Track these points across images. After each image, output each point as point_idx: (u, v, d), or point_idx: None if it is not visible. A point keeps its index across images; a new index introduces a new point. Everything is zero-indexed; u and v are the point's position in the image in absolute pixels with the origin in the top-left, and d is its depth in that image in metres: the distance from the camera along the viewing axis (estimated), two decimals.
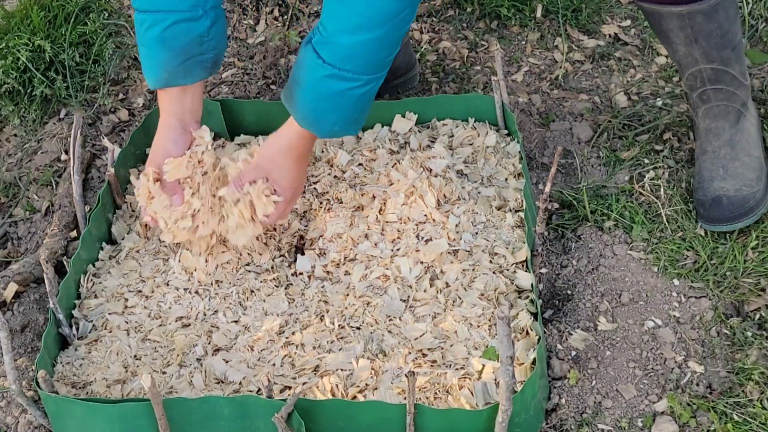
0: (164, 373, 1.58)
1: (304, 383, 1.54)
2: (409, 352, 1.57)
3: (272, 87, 2.34)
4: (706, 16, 1.74)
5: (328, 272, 1.74)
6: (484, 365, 1.54)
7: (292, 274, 1.75)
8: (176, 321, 1.67)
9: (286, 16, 2.53)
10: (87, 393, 1.54)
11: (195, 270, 1.74)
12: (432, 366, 1.55)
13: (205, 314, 1.67)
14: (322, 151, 1.98)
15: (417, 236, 1.76)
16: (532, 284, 1.66)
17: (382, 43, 1.48)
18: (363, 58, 1.49)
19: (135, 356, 1.61)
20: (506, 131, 2.02)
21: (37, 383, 1.48)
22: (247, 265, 1.75)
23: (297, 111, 1.58)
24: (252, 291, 1.71)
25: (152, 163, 1.71)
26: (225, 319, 1.66)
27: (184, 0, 1.62)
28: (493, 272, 1.70)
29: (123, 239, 1.84)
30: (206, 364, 1.58)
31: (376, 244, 1.76)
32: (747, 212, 1.78)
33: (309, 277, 1.74)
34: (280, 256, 1.79)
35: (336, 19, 1.47)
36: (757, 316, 1.68)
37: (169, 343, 1.62)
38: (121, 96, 2.29)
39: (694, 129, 1.95)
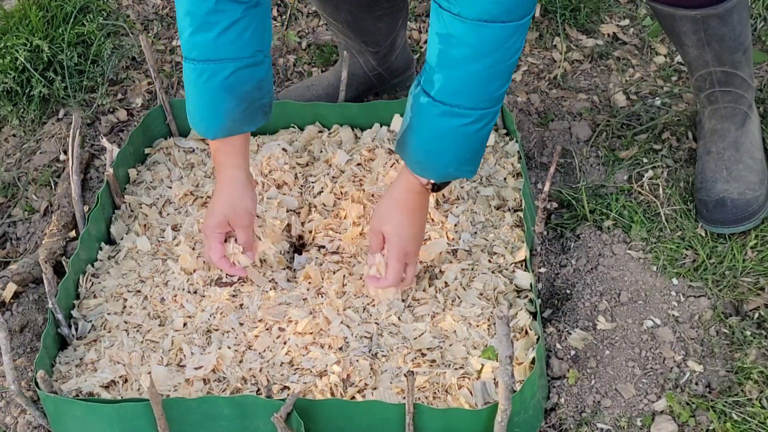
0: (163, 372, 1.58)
1: (303, 383, 1.53)
2: (408, 352, 1.57)
3: None
4: (720, 19, 1.72)
5: (326, 272, 1.74)
6: (483, 365, 1.54)
7: (291, 276, 1.75)
8: (175, 321, 1.66)
9: (284, 16, 2.53)
10: (86, 393, 1.54)
11: (194, 271, 1.74)
12: (431, 366, 1.55)
13: (203, 314, 1.67)
14: (321, 151, 1.98)
15: None
16: (531, 284, 1.66)
17: (490, 73, 1.42)
18: (473, 91, 1.43)
19: (134, 356, 1.61)
20: (505, 131, 2.02)
21: (36, 383, 1.48)
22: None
23: (410, 156, 1.53)
24: (250, 291, 1.71)
25: (226, 220, 1.66)
26: (224, 318, 1.66)
27: (247, 47, 1.57)
28: (492, 272, 1.70)
29: (122, 239, 1.84)
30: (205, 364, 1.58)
31: None
32: (750, 216, 1.79)
33: (307, 276, 1.73)
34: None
35: (441, 55, 1.42)
36: (756, 315, 1.68)
37: (168, 343, 1.62)
38: (119, 96, 2.29)
39: (698, 128, 1.95)
